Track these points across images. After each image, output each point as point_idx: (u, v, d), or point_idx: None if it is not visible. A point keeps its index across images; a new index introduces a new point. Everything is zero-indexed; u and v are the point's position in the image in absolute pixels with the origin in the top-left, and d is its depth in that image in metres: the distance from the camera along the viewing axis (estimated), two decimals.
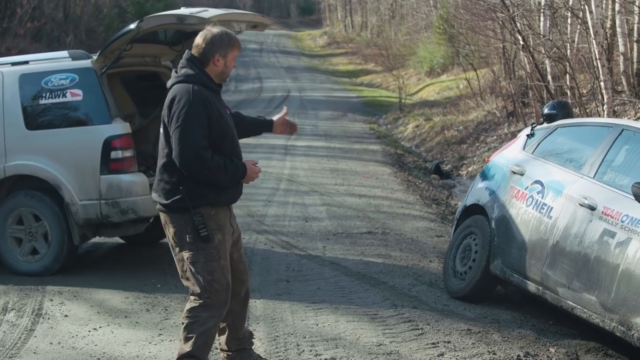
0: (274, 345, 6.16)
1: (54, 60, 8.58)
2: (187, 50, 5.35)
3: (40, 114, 8.37)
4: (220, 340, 5.57)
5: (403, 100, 26.48)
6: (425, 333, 6.42)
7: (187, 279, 5.23)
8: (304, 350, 6.03)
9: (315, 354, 5.97)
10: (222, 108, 5.28)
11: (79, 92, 8.16)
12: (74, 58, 8.41)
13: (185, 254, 5.17)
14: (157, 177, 5.28)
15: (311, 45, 60.38)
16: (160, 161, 5.24)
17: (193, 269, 5.15)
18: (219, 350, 5.66)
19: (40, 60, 8.72)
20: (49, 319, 6.96)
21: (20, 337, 6.49)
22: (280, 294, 7.53)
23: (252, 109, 28.23)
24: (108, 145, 7.96)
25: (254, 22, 8.73)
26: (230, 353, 5.55)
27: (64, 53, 8.70)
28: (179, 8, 9.10)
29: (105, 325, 6.71)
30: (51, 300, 7.46)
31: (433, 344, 6.18)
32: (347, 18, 62.33)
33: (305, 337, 6.32)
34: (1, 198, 8.44)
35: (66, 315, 7.02)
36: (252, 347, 5.65)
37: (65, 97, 8.23)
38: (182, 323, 5.23)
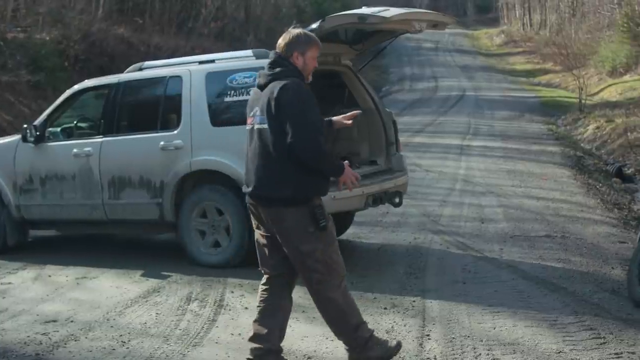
0: (450, 347, 6.09)
1: (238, 59, 8.78)
2: (272, 52, 5.50)
3: (224, 111, 8.60)
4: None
5: (583, 101, 25.73)
6: (608, 342, 6.16)
7: (308, 269, 5.35)
8: (480, 354, 5.92)
9: (493, 358, 5.85)
10: None
11: None
12: (257, 57, 8.56)
13: (305, 247, 5.28)
14: (259, 172, 5.31)
15: (487, 44, 59.64)
16: (263, 156, 5.28)
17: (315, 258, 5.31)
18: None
19: (225, 59, 8.93)
20: (230, 310, 7.17)
21: (202, 327, 6.70)
22: (456, 296, 7.45)
23: (427, 108, 28.25)
24: None
25: (434, 21, 8.68)
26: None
27: (248, 52, 8.85)
28: (357, 7, 9.15)
29: None
30: (232, 292, 7.68)
31: (616, 354, 5.92)
32: (525, 16, 61.27)
33: (482, 341, 6.21)
34: (187, 192, 8.77)
35: (246, 308, 7.15)
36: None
37: (249, 95, 8.41)
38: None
